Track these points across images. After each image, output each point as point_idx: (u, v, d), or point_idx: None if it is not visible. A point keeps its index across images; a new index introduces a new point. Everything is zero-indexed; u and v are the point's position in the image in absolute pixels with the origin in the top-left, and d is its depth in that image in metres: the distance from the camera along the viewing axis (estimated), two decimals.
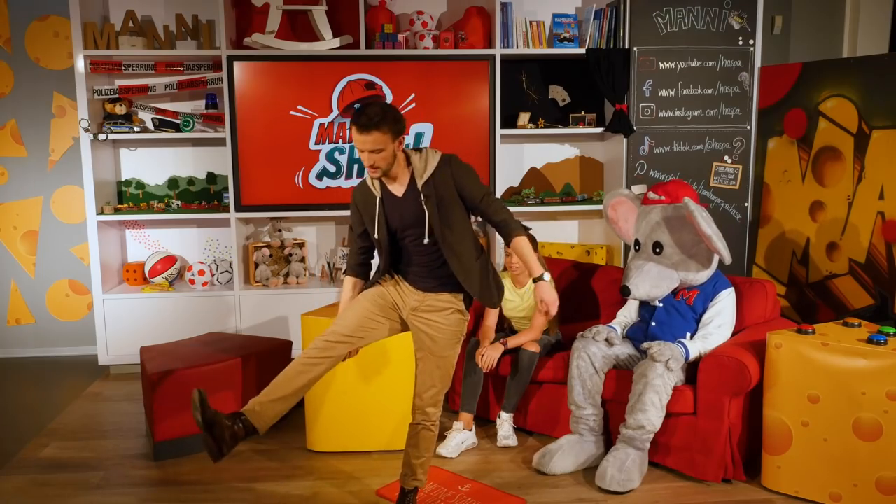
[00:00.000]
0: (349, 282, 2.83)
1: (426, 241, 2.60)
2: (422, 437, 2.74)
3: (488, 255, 2.80)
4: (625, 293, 3.37)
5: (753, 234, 4.64)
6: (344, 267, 4.10)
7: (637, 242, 3.50)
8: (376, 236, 2.65)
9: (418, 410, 2.71)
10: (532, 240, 3.66)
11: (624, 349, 3.40)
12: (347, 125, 4.55)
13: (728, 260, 3.24)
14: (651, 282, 3.34)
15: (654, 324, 3.38)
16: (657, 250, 3.37)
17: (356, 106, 4.51)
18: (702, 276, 3.34)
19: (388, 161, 2.54)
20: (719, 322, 3.27)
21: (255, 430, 2.44)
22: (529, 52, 4.63)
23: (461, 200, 2.63)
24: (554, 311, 2.70)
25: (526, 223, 4.82)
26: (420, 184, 2.58)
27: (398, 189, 2.63)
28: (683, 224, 3.31)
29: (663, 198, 3.41)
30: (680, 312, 3.35)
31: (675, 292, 3.39)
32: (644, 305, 3.49)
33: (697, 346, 3.21)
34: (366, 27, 4.52)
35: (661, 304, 3.39)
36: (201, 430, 2.36)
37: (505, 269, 3.74)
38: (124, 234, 4.96)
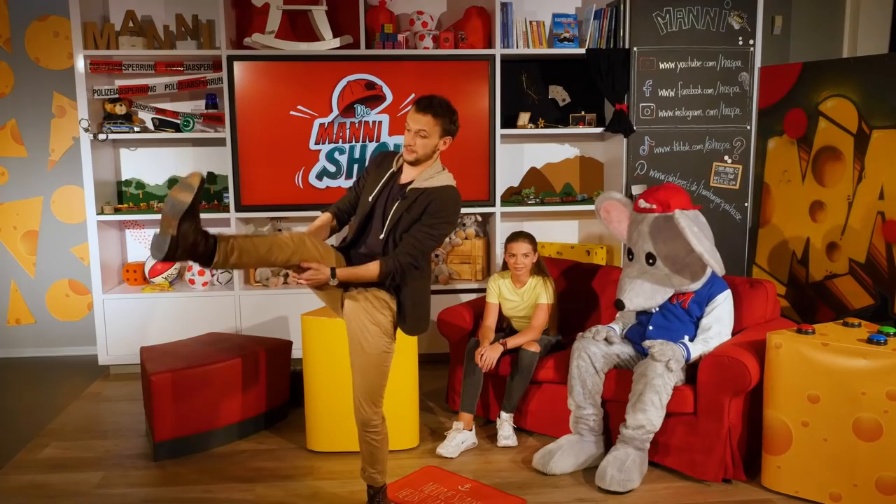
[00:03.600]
0: (325, 216, 2.80)
1: (381, 236, 2.61)
2: (363, 443, 2.71)
3: (428, 282, 2.75)
4: (619, 307, 3.32)
5: (753, 234, 4.64)
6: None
7: (630, 251, 3.45)
8: (370, 199, 2.68)
9: (354, 407, 2.68)
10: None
11: (624, 349, 3.40)
12: (348, 125, 4.56)
13: (721, 273, 3.19)
14: (645, 295, 3.29)
15: (651, 328, 3.36)
16: (650, 261, 3.32)
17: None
18: (696, 284, 3.30)
19: (426, 151, 2.60)
20: (719, 329, 3.25)
21: (213, 257, 2.33)
22: (529, 52, 4.63)
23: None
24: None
25: (526, 223, 4.89)
26: (410, 186, 2.63)
27: (405, 178, 2.69)
28: (676, 234, 3.20)
29: (654, 206, 3.31)
30: (677, 316, 3.33)
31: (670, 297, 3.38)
32: (641, 310, 3.47)
33: (698, 347, 3.20)
34: (366, 27, 4.52)
35: (657, 309, 3.37)
36: (173, 218, 2.26)
37: (505, 267, 3.74)
38: (124, 234, 4.96)
